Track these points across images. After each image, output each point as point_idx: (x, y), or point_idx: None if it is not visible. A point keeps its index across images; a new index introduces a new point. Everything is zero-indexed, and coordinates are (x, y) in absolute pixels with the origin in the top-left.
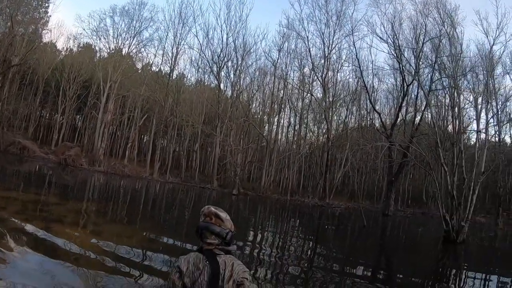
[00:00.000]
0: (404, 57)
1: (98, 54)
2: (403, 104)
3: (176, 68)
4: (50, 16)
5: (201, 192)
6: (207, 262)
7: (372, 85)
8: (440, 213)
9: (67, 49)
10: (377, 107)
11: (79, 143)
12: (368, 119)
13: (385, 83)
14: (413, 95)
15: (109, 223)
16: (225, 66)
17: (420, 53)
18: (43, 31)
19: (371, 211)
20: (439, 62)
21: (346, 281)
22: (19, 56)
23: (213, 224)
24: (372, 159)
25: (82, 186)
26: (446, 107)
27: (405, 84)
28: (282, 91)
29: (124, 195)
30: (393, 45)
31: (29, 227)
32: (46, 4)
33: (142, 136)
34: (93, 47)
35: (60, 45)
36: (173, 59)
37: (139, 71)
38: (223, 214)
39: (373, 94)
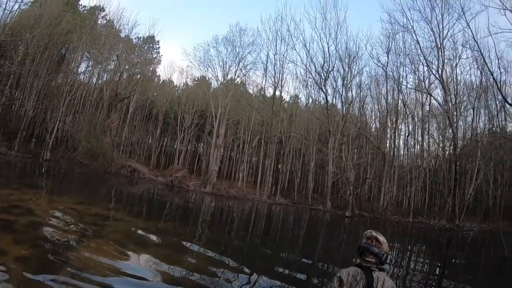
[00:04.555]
0: None
1: (212, 85)
2: None
3: (285, 86)
4: (161, 55)
5: (309, 215)
6: (364, 275)
7: (499, 76)
8: None
9: (183, 83)
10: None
11: (198, 168)
12: (501, 119)
13: None
14: None
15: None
16: (330, 77)
17: None
18: (157, 69)
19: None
20: None
21: None
22: (131, 91)
23: (373, 246)
24: (509, 167)
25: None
26: None
27: None
28: (397, 97)
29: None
30: None
31: None
32: (157, 46)
33: (258, 158)
34: (207, 79)
35: (175, 80)
36: (277, 79)
37: (253, 96)
38: (382, 238)
39: (502, 87)
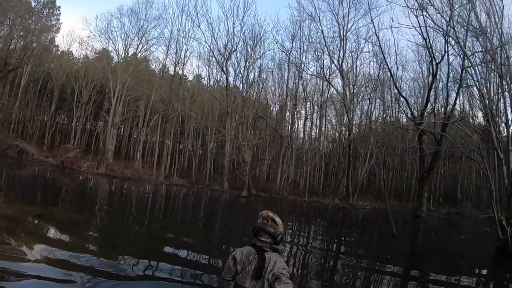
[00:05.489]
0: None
1: (114, 59)
2: (432, 87)
3: (188, 65)
4: (61, 23)
5: (207, 195)
6: (256, 255)
7: (396, 72)
8: (495, 217)
9: (83, 56)
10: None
11: (96, 148)
12: (394, 110)
13: (409, 71)
14: (443, 79)
15: None
16: (233, 58)
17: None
18: (56, 38)
19: (400, 212)
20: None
21: None
22: (21, 61)
23: (268, 226)
24: (399, 152)
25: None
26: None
27: (434, 63)
28: (298, 83)
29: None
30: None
31: None
32: (58, 12)
33: (156, 138)
34: (109, 52)
35: (75, 52)
36: (179, 56)
37: (155, 73)
38: (278, 219)
39: (397, 81)
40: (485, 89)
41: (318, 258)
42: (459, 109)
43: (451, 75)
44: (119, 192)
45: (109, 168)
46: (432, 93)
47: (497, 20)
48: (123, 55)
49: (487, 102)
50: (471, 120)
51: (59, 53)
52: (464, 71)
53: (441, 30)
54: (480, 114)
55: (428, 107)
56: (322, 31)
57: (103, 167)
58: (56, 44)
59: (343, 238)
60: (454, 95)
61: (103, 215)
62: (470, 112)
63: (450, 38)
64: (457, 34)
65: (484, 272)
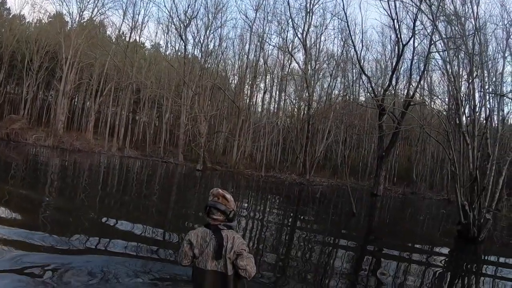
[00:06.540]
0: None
1: (69, 24)
2: (397, 68)
3: (146, 31)
4: None
5: (160, 168)
6: (213, 236)
7: (360, 50)
8: (459, 201)
9: (37, 20)
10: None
11: (47, 118)
12: (355, 89)
13: (372, 52)
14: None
15: None
16: (193, 25)
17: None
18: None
19: (357, 190)
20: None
21: None
22: None
23: (220, 203)
24: (357, 131)
25: None
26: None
27: (400, 44)
28: (259, 55)
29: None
30: None
31: None
32: None
33: (114, 109)
34: (63, 16)
35: (27, 15)
36: (135, 21)
37: (111, 39)
38: (229, 196)
39: (361, 60)
40: (455, 73)
41: (275, 233)
42: (419, 92)
43: (415, 58)
44: (67, 166)
45: (58, 140)
46: (394, 74)
47: (473, 4)
48: (77, 19)
49: (457, 85)
50: (431, 105)
51: (10, 16)
52: (430, 54)
53: (415, 6)
54: (439, 99)
55: (390, 88)
56: (288, 2)
57: (51, 139)
58: (7, 6)
59: (301, 217)
60: (417, 77)
61: (57, 191)
62: (429, 96)
63: (423, 16)
64: (432, 13)
65: (444, 252)
